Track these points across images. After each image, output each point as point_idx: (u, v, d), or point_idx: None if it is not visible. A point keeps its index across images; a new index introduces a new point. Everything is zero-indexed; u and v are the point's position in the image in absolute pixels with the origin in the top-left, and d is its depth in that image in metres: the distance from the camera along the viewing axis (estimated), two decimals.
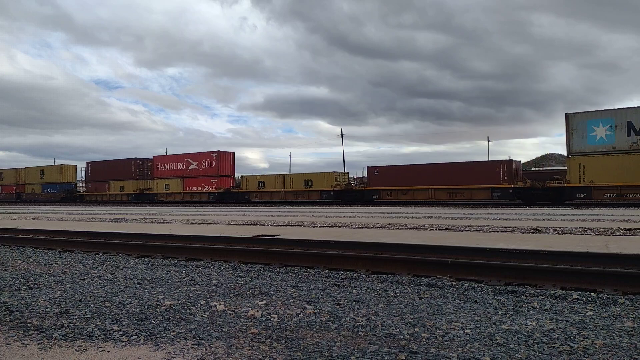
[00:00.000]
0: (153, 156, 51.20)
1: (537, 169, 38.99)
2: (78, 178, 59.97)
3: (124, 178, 50.24)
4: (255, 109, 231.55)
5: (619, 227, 11.06)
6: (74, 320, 3.78)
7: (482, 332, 3.36)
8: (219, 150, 45.66)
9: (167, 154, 55.08)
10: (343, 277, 5.73)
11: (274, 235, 10.17)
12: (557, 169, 39.16)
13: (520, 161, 33.62)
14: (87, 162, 56.27)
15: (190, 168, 47.05)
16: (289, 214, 20.36)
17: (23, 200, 60.35)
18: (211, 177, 45.04)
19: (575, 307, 4.14)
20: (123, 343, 3.22)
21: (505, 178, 29.83)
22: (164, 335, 3.38)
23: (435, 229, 11.63)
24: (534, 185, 30.50)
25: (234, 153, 47.66)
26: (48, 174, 59.00)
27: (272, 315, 3.87)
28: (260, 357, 2.92)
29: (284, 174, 41.64)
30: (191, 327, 3.57)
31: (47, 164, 65.48)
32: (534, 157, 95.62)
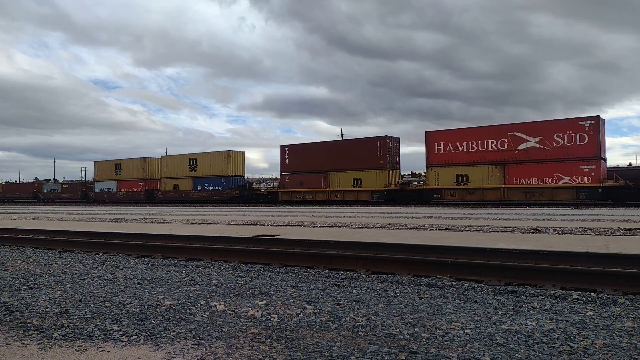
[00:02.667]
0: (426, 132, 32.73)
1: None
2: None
3: (359, 166, 34.28)
4: (254, 109, 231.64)
5: (619, 227, 11.06)
6: (74, 320, 3.78)
7: (482, 332, 3.36)
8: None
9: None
10: (343, 277, 5.73)
11: (274, 235, 10.17)
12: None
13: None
14: (281, 146, 39.00)
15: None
16: (289, 214, 20.36)
17: (160, 201, 47.36)
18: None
19: (575, 307, 4.14)
20: (123, 343, 3.22)
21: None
22: (164, 335, 3.38)
23: (435, 229, 11.63)
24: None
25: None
26: (205, 163, 44.44)
27: (272, 315, 3.87)
28: (260, 357, 2.92)
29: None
30: (191, 327, 3.57)
31: (195, 151, 54.18)
32: None
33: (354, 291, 4.86)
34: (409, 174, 37.98)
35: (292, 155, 38.49)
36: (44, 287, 5.20)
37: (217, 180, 43.15)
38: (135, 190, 49.83)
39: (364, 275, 5.81)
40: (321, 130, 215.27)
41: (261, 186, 43.96)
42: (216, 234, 10.63)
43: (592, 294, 4.65)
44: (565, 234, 9.98)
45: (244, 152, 45.82)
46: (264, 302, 4.35)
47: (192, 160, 45.73)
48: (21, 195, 65.39)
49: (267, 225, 13.81)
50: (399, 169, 35.31)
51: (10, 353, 3.06)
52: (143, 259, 7.65)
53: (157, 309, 4.10)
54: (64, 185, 60.53)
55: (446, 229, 11.68)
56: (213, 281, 5.45)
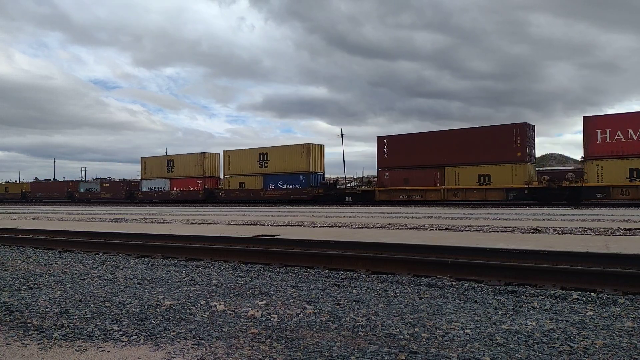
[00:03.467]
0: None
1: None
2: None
3: (487, 160, 28.97)
4: (254, 109, 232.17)
5: (619, 227, 11.06)
6: (74, 320, 3.77)
7: (482, 332, 3.36)
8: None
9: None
10: (343, 277, 5.73)
11: (274, 235, 10.17)
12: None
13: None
14: (378, 137, 33.45)
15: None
16: (289, 214, 20.36)
17: (222, 201, 42.56)
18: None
19: (575, 307, 4.14)
20: (123, 343, 3.22)
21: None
22: (164, 335, 3.38)
23: (435, 229, 11.62)
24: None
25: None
26: (279, 158, 39.03)
27: (272, 315, 3.87)
28: (260, 357, 2.92)
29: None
30: (191, 327, 3.57)
31: (261, 145, 45.02)
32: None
33: (354, 291, 4.86)
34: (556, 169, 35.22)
35: (394, 148, 32.73)
36: (44, 287, 5.19)
37: (294, 177, 38.12)
38: (192, 189, 45.02)
39: (364, 275, 5.81)
40: (321, 130, 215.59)
41: (345, 184, 40.08)
42: (216, 234, 10.63)
43: (592, 294, 4.65)
44: (565, 234, 9.97)
45: (323, 146, 40.20)
46: (264, 302, 4.35)
47: (263, 155, 40.40)
48: (54, 195, 61.34)
49: (267, 225, 13.81)
50: (535, 162, 29.88)
51: (10, 353, 3.06)
52: (143, 259, 7.65)
53: (157, 309, 4.10)
54: (104, 184, 55.76)
55: (446, 229, 11.68)
56: (213, 281, 5.45)
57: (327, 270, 6.18)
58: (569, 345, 3.07)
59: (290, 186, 38.52)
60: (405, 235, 10.04)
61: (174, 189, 46.80)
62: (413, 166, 31.84)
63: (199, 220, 16.68)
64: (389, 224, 13.45)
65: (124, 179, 57.08)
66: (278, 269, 6.35)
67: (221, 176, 45.19)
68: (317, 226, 13.17)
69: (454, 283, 5.23)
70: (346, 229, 12.04)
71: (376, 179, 35.22)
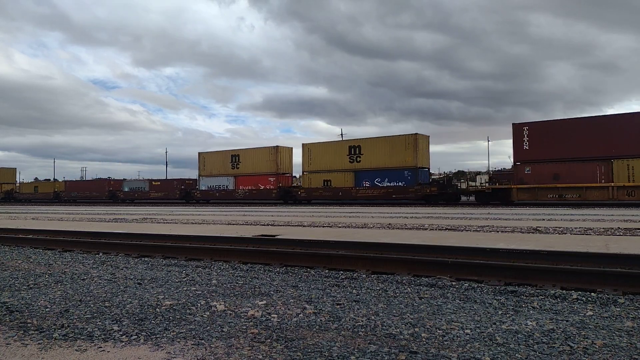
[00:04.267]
0: None
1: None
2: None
3: None
4: (254, 109, 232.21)
5: (619, 227, 11.06)
6: (74, 320, 3.77)
7: (482, 332, 3.36)
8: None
9: None
10: (343, 277, 5.73)
11: (274, 235, 10.17)
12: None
13: None
14: (514, 125, 28.84)
15: None
16: (289, 214, 20.36)
17: (300, 201, 38.27)
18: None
19: (575, 307, 4.14)
20: (123, 343, 3.22)
21: None
22: (164, 335, 3.38)
23: (435, 229, 11.62)
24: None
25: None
26: (374, 151, 34.00)
27: (272, 315, 3.87)
28: (260, 357, 2.92)
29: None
30: (191, 327, 3.57)
31: (374, 134, 41.43)
32: None
33: (354, 291, 4.86)
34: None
35: (537, 137, 27.95)
36: (44, 287, 5.19)
37: (397, 173, 32.75)
38: (262, 187, 40.29)
39: (364, 275, 5.81)
40: (320, 130, 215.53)
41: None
42: (216, 234, 10.63)
43: (592, 294, 4.65)
44: (565, 234, 9.97)
45: (429, 137, 34.44)
46: (264, 302, 4.35)
47: (354, 148, 35.05)
48: (92, 195, 56.83)
49: (267, 225, 13.81)
50: None
51: (10, 353, 3.06)
52: (143, 259, 7.65)
53: (157, 309, 4.10)
54: (153, 183, 51.36)
55: (446, 229, 11.68)
56: (213, 281, 5.45)
57: (327, 270, 6.18)
58: (569, 345, 3.07)
59: (392, 184, 33.01)
60: (405, 235, 10.04)
61: (240, 187, 41.90)
62: (566, 159, 26.80)
63: (199, 220, 16.69)
64: (389, 224, 13.45)
65: (180, 178, 52.10)
66: (278, 269, 6.35)
67: (295, 173, 42.27)
68: (317, 226, 13.17)
69: (454, 283, 5.23)
70: (346, 229, 12.04)
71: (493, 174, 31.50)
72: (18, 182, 73.88)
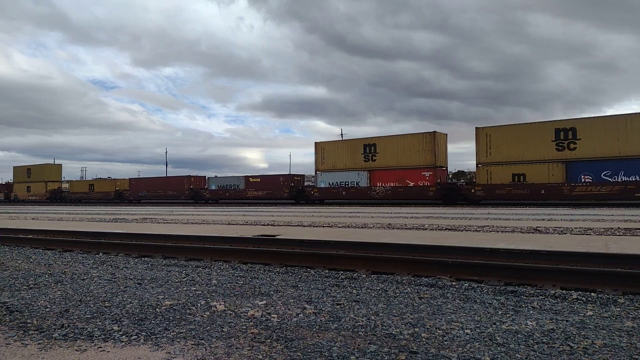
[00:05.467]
0: None
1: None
2: None
3: None
4: (253, 109, 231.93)
5: (619, 227, 11.06)
6: (74, 320, 3.77)
7: (482, 332, 3.36)
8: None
9: None
10: (343, 277, 5.73)
11: (274, 235, 10.17)
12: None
13: None
14: None
15: None
16: (289, 214, 20.36)
17: (469, 202, 30.35)
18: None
19: (575, 307, 4.14)
20: (123, 343, 3.22)
21: None
22: (164, 335, 3.38)
23: (435, 229, 11.62)
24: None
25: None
26: (596, 134, 25.74)
27: (272, 315, 3.87)
28: (260, 357, 2.92)
29: None
30: (191, 327, 3.57)
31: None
32: None
33: (354, 291, 4.86)
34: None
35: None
36: (44, 287, 5.19)
37: (636, 163, 24.22)
38: (412, 184, 31.91)
39: (364, 275, 5.81)
40: (320, 130, 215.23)
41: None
42: (216, 234, 10.63)
43: (592, 294, 4.65)
44: (565, 234, 9.97)
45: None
46: (264, 302, 4.35)
47: (564, 131, 26.47)
48: (168, 194, 47.91)
49: (267, 225, 13.81)
50: None
51: (10, 353, 3.06)
52: (143, 259, 7.65)
53: (157, 309, 4.10)
54: (251, 179, 42.24)
55: (446, 229, 11.68)
56: (213, 281, 5.45)
57: (327, 270, 6.18)
58: (569, 345, 3.07)
59: (630, 178, 24.96)
60: (405, 235, 10.04)
61: (378, 184, 33.57)
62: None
63: (199, 221, 16.68)
64: (389, 224, 13.44)
65: (286, 174, 42.56)
66: (278, 269, 6.35)
67: (449, 166, 33.30)
68: (317, 226, 13.17)
69: (454, 283, 5.23)
70: (346, 229, 12.04)
71: None
72: (63, 179, 66.51)
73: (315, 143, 37.70)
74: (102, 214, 24.14)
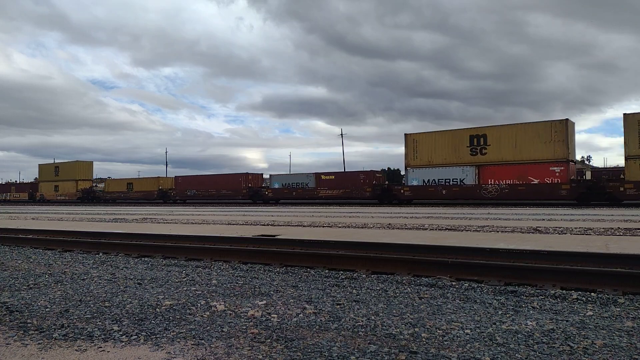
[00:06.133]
0: None
1: None
2: None
3: None
4: (253, 109, 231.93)
5: (619, 227, 11.06)
6: (74, 320, 3.77)
7: (482, 332, 3.36)
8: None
9: None
10: (343, 277, 5.73)
11: (274, 235, 10.17)
12: None
13: None
14: None
15: None
16: (289, 214, 20.36)
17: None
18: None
19: (575, 307, 4.14)
20: (123, 343, 3.22)
21: None
22: (164, 335, 3.38)
23: (435, 229, 11.62)
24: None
25: None
26: None
27: (272, 315, 3.87)
28: (260, 357, 2.92)
29: None
30: (191, 327, 3.57)
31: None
32: None
33: (354, 291, 4.86)
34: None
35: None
36: (44, 287, 5.19)
37: None
38: (535, 181, 27.37)
39: (364, 275, 5.81)
40: (320, 130, 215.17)
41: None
42: (216, 234, 10.63)
43: (592, 294, 4.65)
44: (565, 234, 9.97)
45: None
46: (264, 302, 4.35)
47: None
48: (221, 193, 43.39)
49: (267, 225, 13.81)
50: None
51: (10, 353, 3.06)
52: (143, 259, 7.65)
53: (157, 309, 4.10)
54: (323, 177, 37.89)
55: (446, 229, 11.68)
56: (213, 281, 5.45)
57: (327, 270, 6.18)
58: (569, 345, 3.07)
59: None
60: (405, 235, 10.04)
61: (490, 182, 29.02)
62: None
63: (199, 221, 16.68)
64: (389, 224, 13.44)
65: (367, 170, 37.69)
66: (278, 269, 6.35)
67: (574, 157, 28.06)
68: (317, 226, 13.17)
69: (454, 283, 5.23)
70: (346, 229, 12.04)
71: None
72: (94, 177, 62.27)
73: (406, 135, 32.37)
74: (102, 214, 24.14)
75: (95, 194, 55.97)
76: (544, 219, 14.59)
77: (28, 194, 63.53)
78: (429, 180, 31.66)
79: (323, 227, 12.92)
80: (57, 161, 63.60)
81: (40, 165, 64.05)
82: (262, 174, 45.47)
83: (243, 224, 14.43)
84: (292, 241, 8.30)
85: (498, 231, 10.79)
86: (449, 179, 30.82)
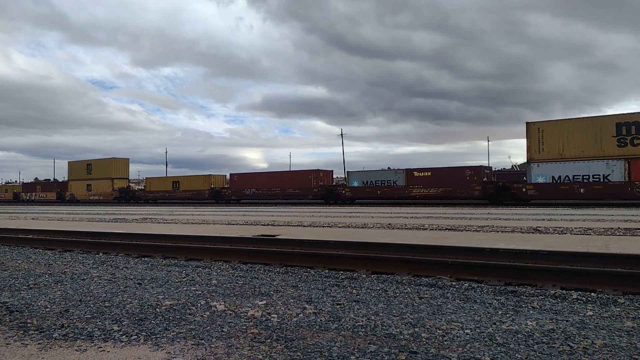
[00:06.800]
0: None
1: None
2: None
3: None
4: (252, 109, 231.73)
5: (619, 227, 11.06)
6: (74, 320, 3.77)
7: (482, 332, 3.36)
8: None
9: None
10: (343, 277, 5.73)
11: (274, 235, 10.17)
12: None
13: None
14: None
15: None
16: (289, 214, 20.36)
17: None
18: None
19: (575, 307, 4.14)
20: (123, 343, 3.22)
21: None
22: (164, 335, 3.38)
23: (435, 229, 11.62)
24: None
25: None
26: None
27: (272, 315, 3.87)
28: (260, 357, 2.92)
29: None
30: (191, 327, 3.57)
31: None
32: None
33: (354, 291, 4.86)
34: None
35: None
36: (44, 287, 5.19)
37: None
38: None
39: (364, 275, 5.81)
40: (320, 130, 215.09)
41: None
42: (216, 234, 10.63)
43: (592, 294, 4.65)
44: (565, 234, 9.97)
45: None
46: (264, 302, 4.35)
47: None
48: (287, 193, 39.50)
49: (267, 225, 13.81)
50: None
51: (10, 353, 3.06)
52: (143, 259, 7.65)
53: (157, 309, 4.10)
54: (416, 174, 33.50)
55: (446, 229, 11.68)
56: (213, 281, 5.45)
57: (327, 270, 6.18)
58: (569, 345, 3.07)
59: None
60: (405, 235, 10.04)
61: None
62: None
63: (199, 221, 16.68)
64: (389, 224, 13.44)
65: (474, 165, 33.32)
66: (278, 269, 6.35)
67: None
68: (317, 226, 13.17)
69: (454, 283, 5.23)
70: (346, 229, 12.04)
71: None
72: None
73: (528, 124, 27.81)
74: (102, 214, 24.14)
75: (134, 193, 52.05)
76: (543, 219, 14.59)
77: (56, 193, 58.54)
78: (562, 178, 26.99)
79: (323, 227, 12.92)
80: (89, 158, 58.82)
81: (70, 163, 59.32)
82: (332, 171, 41.85)
83: (243, 224, 14.43)
84: (292, 241, 8.31)
85: (498, 231, 10.79)
86: (589, 175, 26.07)
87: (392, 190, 34.46)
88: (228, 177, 46.27)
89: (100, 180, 54.16)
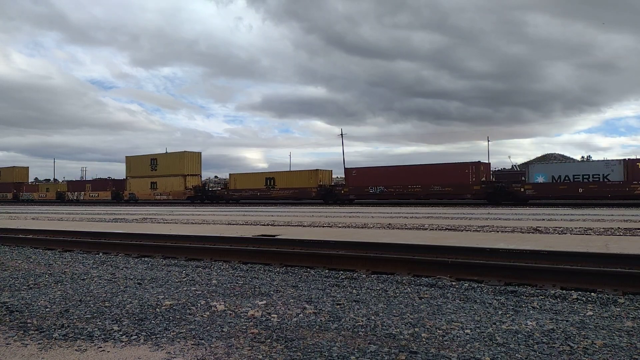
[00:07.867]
0: None
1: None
2: None
3: None
4: (252, 109, 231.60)
5: (619, 227, 11.06)
6: (74, 320, 3.77)
7: (482, 332, 3.36)
8: None
9: None
10: (343, 277, 5.73)
11: (274, 235, 10.17)
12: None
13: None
14: None
15: None
16: (289, 214, 20.36)
17: None
18: None
19: (575, 307, 4.14)
20: (123, 343, 3.22)
21: None
22: (164, 335, 3.38)
23: (435, 229, 11.62)
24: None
25: None
26: None
27: (272, 315, 3.87)
28: (260, 357, 2.92)
29: None
30: (191, 327, 3.57)
31: None
32: (533, 157, 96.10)
33: (354, 291, 4.86)
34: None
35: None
36: (44, 287, 5.19)
37: None
38: None
39: (364, 275, 5.81)
40: (319, 130, 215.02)
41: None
42: (216, 234, 10.63)
43: (592, 294, 4.65)
44: (565, 234, 9.97)
45: None
46: (264, 302, 4.35)
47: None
48: (430, 191, 31.86)
49: (267, 225, 13.81)
50: None
51: (10, 353, 3.06)
52: (143, 259, 7.65)
53: (157, 309, 4.10)
54: (565, 183, 27.57)
55: (446, 229, 11.68)
56: (213, 281, 5.45)
57: (327, 270, 6.18)
58: (569, 345, 3.07)
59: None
60: (405, 235, 10.04)
61: None
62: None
63: (199, 220, 16.68)
64: (389, 224, 13.44)
65: (623, 159, 26.88)
66: (278, 269, 6.35)
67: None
68: (317, 226, 13.17)
69: (454, 283, 5.23)
70: (346, 229, 12.04)
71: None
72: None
73: None
74: (102, 214, 24.14)
75: (214, 192, 44.92)
76: (543, 219, 14.59)
77: (111, 193, 51.34)
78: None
79: (323, 227, 12.93)
80: (154, 152, 50.31)
81: (128, 158, 51.57)
82: (489, 164, 33.98)
83: (243, 224, 14.43)
84: (292, 241, 8.31)
85: (498, 231, 10.79)
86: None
87: (601, 187, 26.82)
88: (316, 174, 38.70)
89: (169, 177, 46.64)
